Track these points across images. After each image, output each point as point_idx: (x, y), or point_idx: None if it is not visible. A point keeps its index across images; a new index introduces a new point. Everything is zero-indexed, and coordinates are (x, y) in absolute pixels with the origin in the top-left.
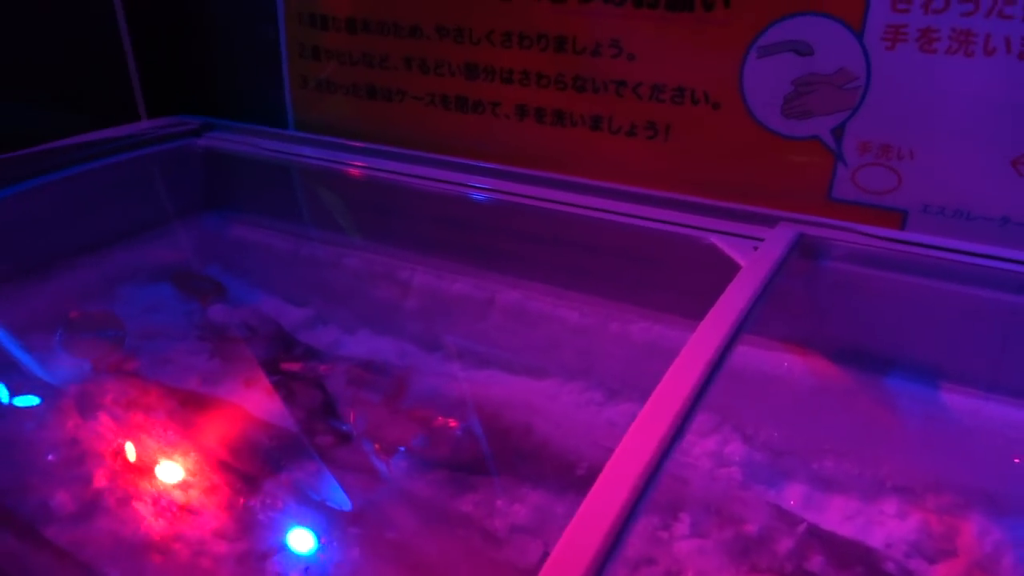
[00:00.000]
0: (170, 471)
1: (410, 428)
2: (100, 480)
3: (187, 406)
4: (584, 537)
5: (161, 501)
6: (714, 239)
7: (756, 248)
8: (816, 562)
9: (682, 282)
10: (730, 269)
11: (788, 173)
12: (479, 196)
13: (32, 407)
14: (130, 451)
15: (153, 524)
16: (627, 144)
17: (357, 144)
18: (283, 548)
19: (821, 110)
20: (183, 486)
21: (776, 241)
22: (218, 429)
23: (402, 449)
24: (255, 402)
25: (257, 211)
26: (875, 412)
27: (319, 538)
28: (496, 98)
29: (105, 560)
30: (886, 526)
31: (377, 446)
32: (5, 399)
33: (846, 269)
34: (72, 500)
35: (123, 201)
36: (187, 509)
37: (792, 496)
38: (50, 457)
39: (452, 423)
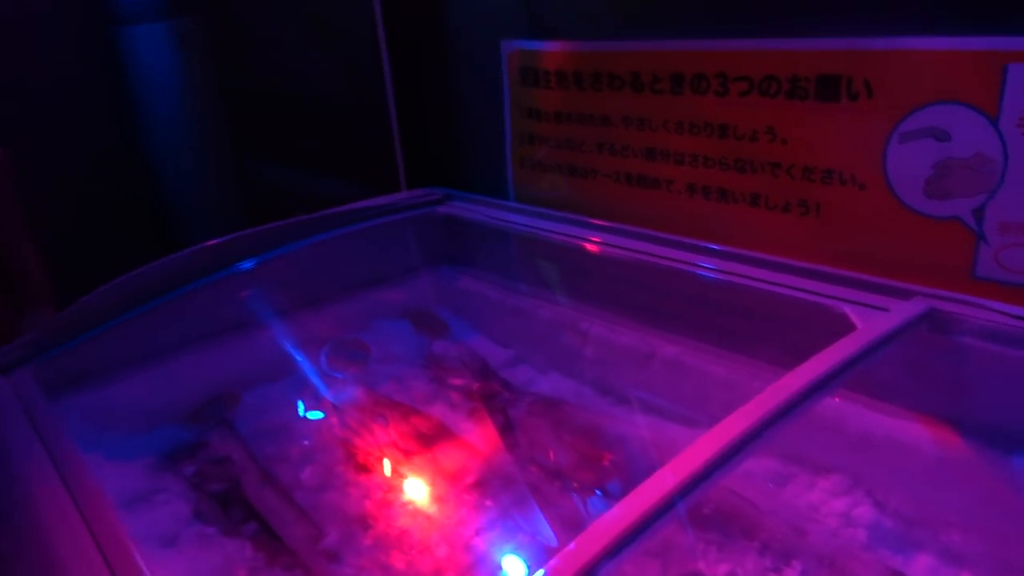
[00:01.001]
0: (386, 465)
1: (569, 454)
2: (335, 463)
3: (406, 417)
4: (594, 536)
5: (376, 485)
6: (846, 308)
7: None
8: None
9: (816, 346)
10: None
11: (931, 251)
12: (652, 261)
13: (294, 405)
14: (358, 445)
15: (366, 503)
16: (782, 219)
17: (558, 214)
18: (454, 545)
19: (961, 192)
20: (392, 482)
21: (902, 310)
22: (425, 439)
23: (561, 472)
24: (455, 420)
25: (480, 266)
26: (1006, 491)
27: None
28: (670, 176)
29: (329, 523)
30: None
31: (543, 468)
32: (279, 398)
33: (981, 346)
34: (314, 475)
35: (381, 254)
36: (392, 499)
37: (916, 566)
38: (305, 442)
39: (608, 455)
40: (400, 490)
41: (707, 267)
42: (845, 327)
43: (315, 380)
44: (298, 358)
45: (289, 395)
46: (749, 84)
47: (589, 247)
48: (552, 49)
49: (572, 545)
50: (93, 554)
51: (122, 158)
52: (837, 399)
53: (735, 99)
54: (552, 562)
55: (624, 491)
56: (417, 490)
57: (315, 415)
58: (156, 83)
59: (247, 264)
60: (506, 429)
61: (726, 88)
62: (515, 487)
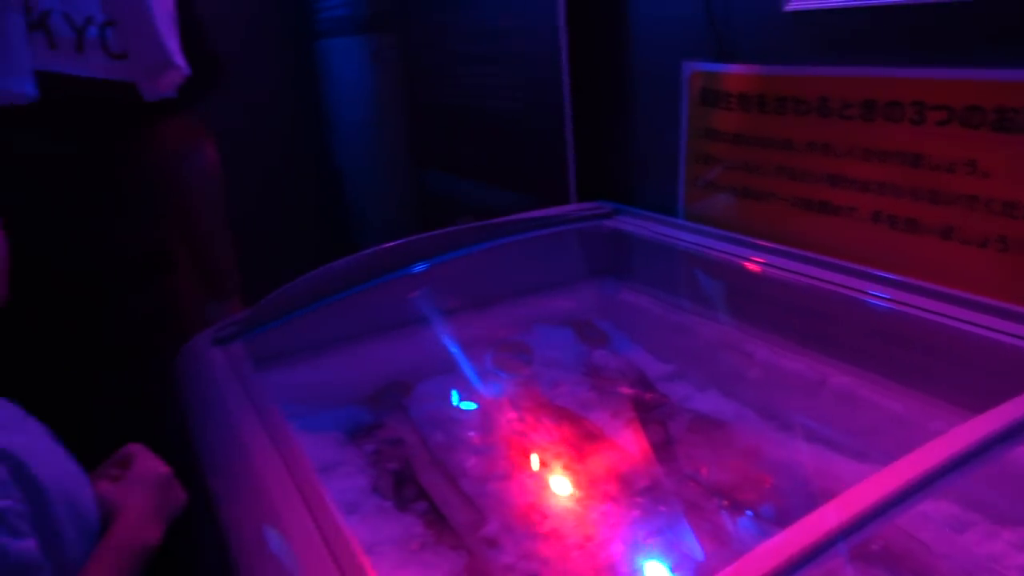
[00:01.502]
0: (545, 464)
1: (729, 475)
2: (498, 457)
3: (566, 420)
4: (758, 560)
5: (534, 482)
6: None
7: None
8: None
9: (1006, 391)
10: None
11: None
12: (827, 288)
13: (462, 397)
14: (520, 442)
15: (525, 497)
16: (976, 254)
17: (729, 234)
18: (609, 546)
19: None
20: (550, 479)
21: None
22: (581, 440)
23: (721, 492)
24: (614, 429)
25: (644, 281)
26: None
27: (636, 542)
28: (853, 204)
29: (490, 512)
30: None
31: (700, 486)
32: (448, 390)
33: None
34: (478, 466)
35: (549, 263)
36: (550, 495)
37: None
38: (470, 433)
39: (768, 479)
40: (557, 489)
41: (889, 298)
42: None
43: (481, 377)
44: (466, 355)
45: (457, 388)
46: (949, 114)
47: (759, 269)
48: (736, 72)
49: (733, 567)
50: (300, 507)
51: (316, 161)
52: None
53: (932, 128)
54: None
55: (782, 517)
56: (573, 490)
57: (480, 410)
58: (348, 93)
59: (424, 265)
60: (665, 442)
61: (923, 117)
62: (670, 499)
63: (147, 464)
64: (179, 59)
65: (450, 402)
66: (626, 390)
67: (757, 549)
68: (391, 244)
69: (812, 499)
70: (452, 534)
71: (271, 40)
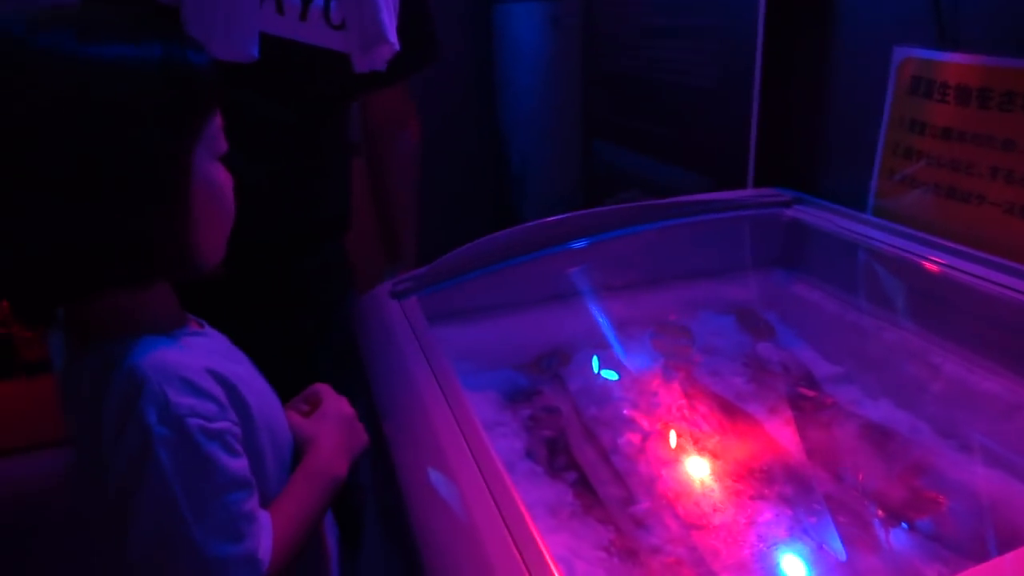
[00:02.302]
0: (699, 451)
1: (900, 491)
2: (651, 438)
3: (720, 408)
4: None
5: (687, 468)
6: None
7: None
8: None
9: None
10: None
11: None
12: None
13: (619, 373)
14: (673, 427)
15: (675, 482)
16: None
17: (926, 236)
18: (758, 540)
19: None
20: (704, 466)
21: None
22: (737, 432)
23: (889, 507)
24: (774, 426)
25: (818, 275)
26: None
27: (790, 543)
28: None
29: (640, 492)
30: None
31: (864, 494)
32: (605, 364)
33: None
34: (630, 444)
35: (720, 247)
36: (702, 482)
37: None
38: (624, 411)
39: (942, 499)
40: (709, 478)
41: None
42: None
43: (640, 356)
44: (627, 333)
45: (615, 364)
46: None
47: (956, 276)
48: (956, 61)
49: None
50: (468, 459)
51: (488, 129)
52: None
53: None
54: None
55: (954, 543)
56: (725, 482)
57: (636, 388)
58: (525, 59)
59: (589, 240)
60: (827, 444)
61: None
62: (827, 503)
63: (335, 403)
64: (392, 35)
65: (607, 377)
66: (789, 386)
67: None
68: (557, 218)
69: (990, 527)
70: (601, 507)
71: (447, 3)
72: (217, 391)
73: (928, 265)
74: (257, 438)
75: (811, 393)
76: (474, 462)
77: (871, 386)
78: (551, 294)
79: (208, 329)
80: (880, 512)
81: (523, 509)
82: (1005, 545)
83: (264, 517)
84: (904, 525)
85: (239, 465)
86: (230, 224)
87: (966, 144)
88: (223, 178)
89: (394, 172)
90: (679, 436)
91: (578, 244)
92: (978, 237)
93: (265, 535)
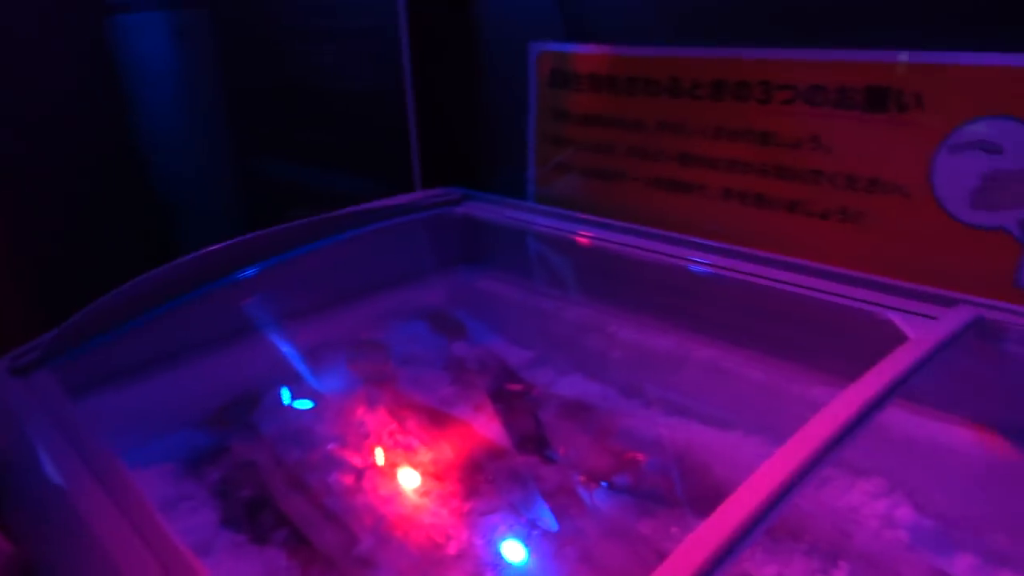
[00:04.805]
0: (416, 468)
1: (604, 458)
2: (364, 467)
3: (429, 419)
4: (690, 555)
5: (407, 489)
6: (891, 315)
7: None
8: None
9: (860, 352)
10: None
11: (974, 260)
12: (684, 265)
13: (318, 407)
14: (386, 448)
15: (398, 506)
16: (820, 226)
17: (583, 216)
18: (494, 555)
19: (1008, 203)
20: (423, 487)
21: (951, 319)
22: (450, 440)
23: (596, 475)
24: (481, 423)
25: (500, 267)
26: None
27: (524, 546)
28: (704, 182)
29: (362, 528)
30: None
31: (576, 470)
32: (302, 400)
33: None
34: (343, 479)
35: (397, 255)
36: (424, 505)
37: (958, 565)
38: (331, 445)
39: (641, 457)
40: (432, 492)
41: (744, 271)
42: (892, 335)
43: (336, 382)
44: (317, 360)
45: (311, 397)
46: (794, 93)
47: (616, 249)
48: (586, 52)
49: (670, 561)
50: (144, 554)
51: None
52: None
53: (778, 107)
54: None
55: (663, 496)
56: (450, 493)
57: (340, 418)
58: (150, 76)
59: (260, 266)
60: (535, 430)
61: (769, 96)
62: (550, 488)
63: None
64: None
65: (304, 413)
66: (490, 382)
67: (679, 549)
68: (221, 245)
69: (686, 473)
70: (322, 560)
71: (61, 20)
72: None
73: (590, 242)
74: None
75: (511, 384)
76: (152, 556)
77: (561, 364)
78: (223, 335)
79: None
80: (589, 481)
81: None
82: (701, 486)
83: None
84: (605, 484)
85: None
86: None
87: (604, 128)
88: None
89: None
90: (394, 457)
91: (248, 272)
92: (626, 211)
93: None
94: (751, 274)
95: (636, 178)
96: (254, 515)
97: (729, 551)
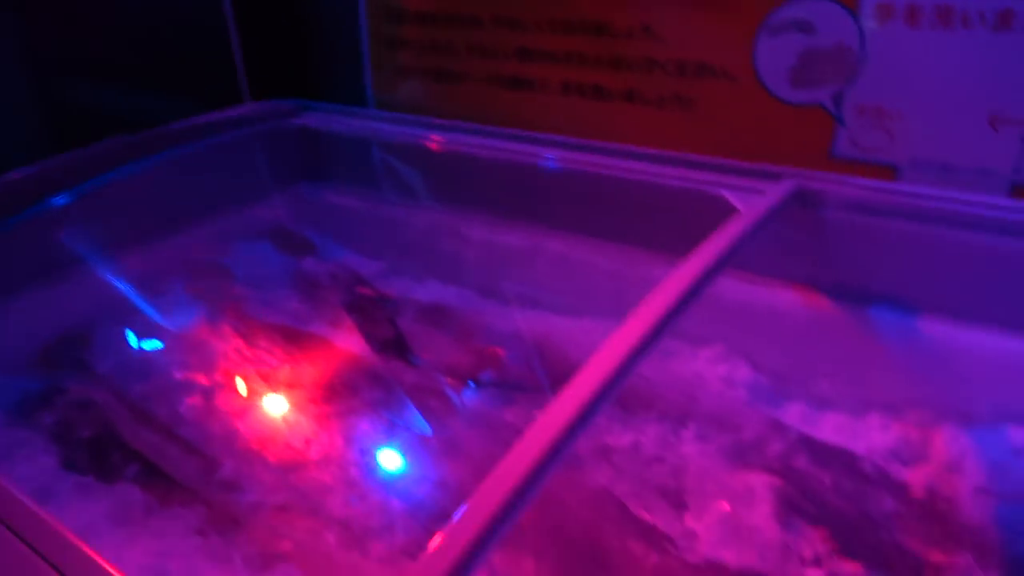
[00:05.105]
0: (266, 385)
1: (467, 356)
2: (217, 392)
3: (283, 337)
4: (547, 426)
5: (266, 409)
6: (724, 191)
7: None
8: (801, 461)
9: (698, 231)
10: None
11: (796, 135)
12: (529, 161)
13: (158, 337)
14: (233, 372)
15: (258, 426)
16: (656, 114)
17: (426, 120)
18: (360, 455)
19: (823, 80)
20: (281, 402)
21: (775, 191)
22: (309, 357)
23: (460, 373)
24: (338, 336)
25: (343, 180)
26: (866, 341)
27: (390, 445)
28: (545, 76)
29: (222, 453)
30: (869, 437)
31: (439, 371)
32: (139, 332)
33: (842, 216)
34: (195, 407)
35: (232, 172)
36: (283, 418)
37: (790, 413)
38: (177, 374)
39: (501, 351)
40: (293, 410)
41: (587, 163)
42: (725, 210)
43: (178, 310)
44: (154, 289)
45: (150, 329)
46: None
47: (462, 151)
48: None
49: (520, 443)
50: None
51: None
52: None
53: None
54: (506, 459)
55: (525, 385)
56: (308, 400)
57: (184, 346)
58: None
59: (75, 192)
60: (395, 338)
61: None
62: (414, 393)
63: None
64: None
65: (143, 345)
66: (344, 295)
67: (534, 425)
68: (26, 170)
69: (545, 361)
70: (181, 490)
71: None
72: None
73: (435, 145)
74: None
75: (366, 294)
76: None
77: (416, 271)
78: (42, 268)
79: None
80: (453, 380)
81: (72, 537)
82: (560, 370)
83: None
84: (472, 384)
85: None
86: None
87: (440, 26)
88: None
89: None
90: (248, 380)
91: (61, 199)
92: (470, 111)
93: None
94: (594, 165)
95: (477, 78)
96: (99, 454)
97: (581, 421)
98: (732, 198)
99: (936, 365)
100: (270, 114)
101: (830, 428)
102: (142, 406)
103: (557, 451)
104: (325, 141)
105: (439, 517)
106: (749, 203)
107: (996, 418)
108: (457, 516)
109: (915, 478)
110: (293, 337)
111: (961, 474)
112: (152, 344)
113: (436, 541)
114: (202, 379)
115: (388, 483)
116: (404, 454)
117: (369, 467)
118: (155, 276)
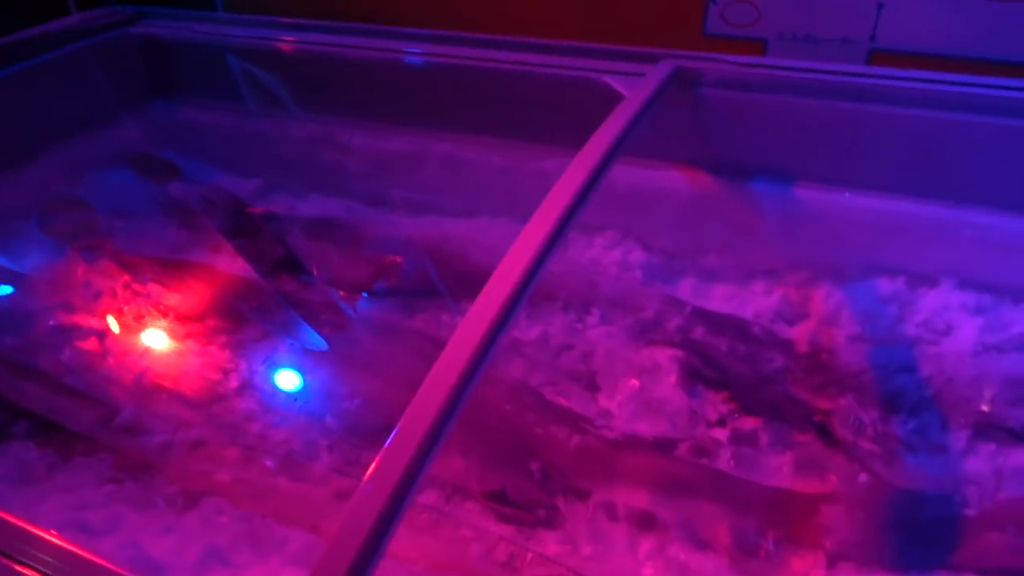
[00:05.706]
0: (161, 318)
1: (363, 268)
2: (101, 333)
3: (164, 269)
4: (470, 332)
5: (157, 350)
6: (607, 78)
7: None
8: (699, 332)
9: (585, 119)
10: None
11: (670, 15)
12: (405, 60)
13: (20, 283)
14: (119, 308)
15: (153, 363)
16: (533, 1)
17: (285, 20)
18: (264, 373)
19: None
20: (172, 335)
21: (655, 74)
22: (195, 284)
23: (357, 286)
24: (225, 262)
25: (201, 93)
26: (747, 213)
27: (298, 366)
28: None
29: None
30: (755, 302)
31: (336, 286)
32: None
33: (718, 94)
34: (78, 352)
35: (71, 95)
36: (181, 352)
37: (683, 288)
38: (51, 321)
39: (399, 259)
40: (185, 342)
41: (468, 57)
42: (610, 96)
43: (37, 250)
44: (5, 229)
45: (8, 276)
46: None
47: (328, 52)
48: None
49: (451, 345)
50: None
51: None
52: None
53: None
54: (438, 365)
55: (431, 289)
56: (212, 330)
57: (51, 286)
58: None
59: None
60: (286, 256)
61: None
62: (310, 308)
63: None
64: None
65: (7, 293)
66: (221, 218)
67: (460, 328)
68: None
69: (444, 265)
70: (82, 440)
71: None
72: None
73: (302, 48)
74: None
75: (247, 215)
76: None
77: (296, 187)
78: None
79: None
80: (352, 293)
81: None
82: (461, 273)
83: None
84: (366, 294)
85: None
86: None
87: None
88: None
89: None
90: (138, 315)
91: None
92: (331, 8)
93: None
94: (474, 58)
95: None
96: None
97: (504, 321)
98: (616, 84)
99: (811, 230)
100: (103, 24)
101: (720, 298)
102: (20, 359)
103: (484, 354)
104: (174, 52)
105: (365, 432)
106: (632, 87)
107: (866, 272)
108: (398, 428)
109: (799, 335)
110: (177, 268)
111: (838, 326)
112: (15, 290)
113: (382, 456)
114: (85, 319)
115: (305, 404)
116: (313, 373)
117: (282, 391)
118: (7, 213)
